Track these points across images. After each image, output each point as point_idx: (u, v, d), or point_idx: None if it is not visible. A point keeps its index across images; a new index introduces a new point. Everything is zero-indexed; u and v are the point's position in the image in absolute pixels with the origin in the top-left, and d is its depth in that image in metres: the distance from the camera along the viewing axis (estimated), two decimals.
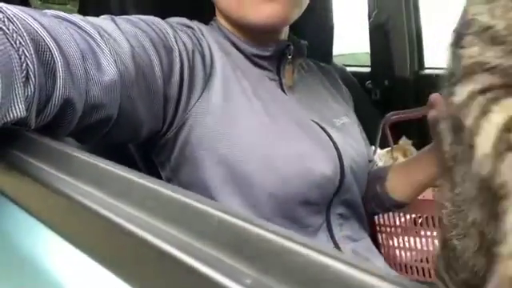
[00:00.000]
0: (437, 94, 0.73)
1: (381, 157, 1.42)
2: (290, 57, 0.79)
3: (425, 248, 1.06)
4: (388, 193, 0.85)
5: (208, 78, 0.68)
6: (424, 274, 1.04)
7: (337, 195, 0.73)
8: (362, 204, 0.80)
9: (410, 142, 1.58)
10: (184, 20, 0.75)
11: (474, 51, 0.33)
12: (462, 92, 0.34)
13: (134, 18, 0.66)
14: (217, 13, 0.81)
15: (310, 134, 0.73)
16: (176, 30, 0.69)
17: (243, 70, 0.73)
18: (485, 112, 0.31)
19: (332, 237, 0.72)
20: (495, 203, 0.34)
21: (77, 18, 0.56)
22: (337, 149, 0.74)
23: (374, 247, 0.81)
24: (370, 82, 1.76)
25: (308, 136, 0.73)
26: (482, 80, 0.32)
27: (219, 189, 0.67)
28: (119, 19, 0.63)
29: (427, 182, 0.82)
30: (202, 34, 0.73)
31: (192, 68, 0.67)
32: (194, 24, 0.75)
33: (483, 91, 0.32)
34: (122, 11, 0.86)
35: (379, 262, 0.78)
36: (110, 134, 0.59)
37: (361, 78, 1.74)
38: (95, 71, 0.51)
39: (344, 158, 0.74)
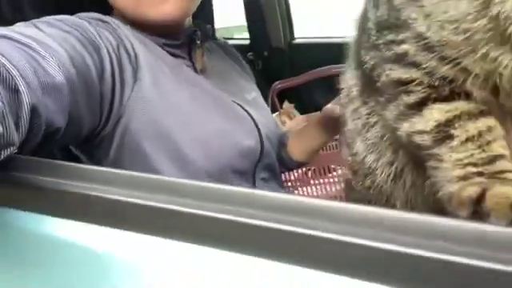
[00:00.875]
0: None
1: None
2: (198, 42, 0.86)
3: (317, 193, 1.29)
4: (290, 156, 1.01)
5: (136, 70, 0.71)
6: None
7: (259, 162, 0.85)
8: (277, 166, 0.95)
9: (292, 105, 1.79)
10: (96, 15, 0.75)
11: (408, 48, 0.42)
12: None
13: (52, 20, 0.65)
14: (114, 12, 0.81)
15: (231, 112, 0.82)
16: (96, 27, 0.69)
17: (162, 59, 0.77)
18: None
19: None
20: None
21: (6, 31, 0.55)
22: (255, 122, 0.85)
23: None
24: (251, 53, 1.90)
25: (230, 114, 0.81)
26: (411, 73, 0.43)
27: (164, 173, 0.71)
28: (41, 24, 0.62)
29: (319, 146, 1.03)
30: (119, 27, 0.74)
31: (120, 63, 0.69)
32: (108, 18, 0.75)
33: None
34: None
35: None
36: (57, 141, 0.60)
37: (242, 50, 1.87)
38: (46, 80, 0.53)
39: (261, 129, 0.85)
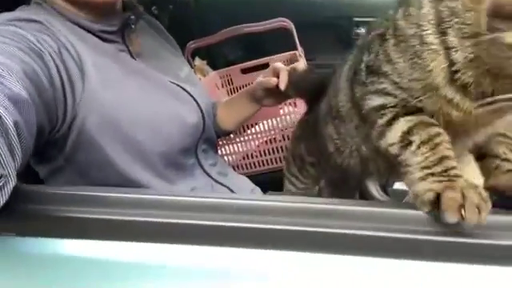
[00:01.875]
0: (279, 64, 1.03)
1: None
2: (133, 26, 0.87)
3: (240, 150, 1.42)
4: (219, 125, 1.11)
5: (81, 68, 0.71)
6: (247, 168, 1.41)
7: (201, 137, 0.93)
8: (215, 136, 1.04)
9: (204, 62, 1.83)
10: (24, 14, 0.72)
11: (386, 86, 0.57)
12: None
13: None
14: None
15: (172, 93, 0.87)
16: (33, 32, 0.67)
17: (99, 48, 0.78)
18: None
19: (203, 169, 0.94)
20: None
21: None
22: (195, 100, 0.91)
23: (225, 164, 1.09)
24: (155, 7, 1.85)
25: (172, 95, 0.87)
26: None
27: (120, 161, 0.77)
28: None
29: (248, 116, 1.13)
30: (53, 26, 0.73)
31: (65, 66, 0.69)
32: (38, 17, 0.72)
33: None
34: None
35: (231, 171, 1.06)
36: None
37: (145, 4, 1.81)
38: (14, 98, 0.53)
39: (201, 105, 0.92)
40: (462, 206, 0.45)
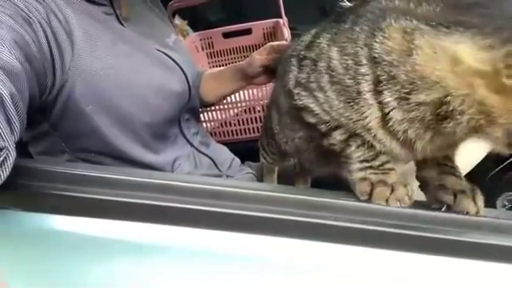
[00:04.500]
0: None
1: None
2: None
3: (218, 117, 1.42)
4: (201, 97, 1.10)
5: (70, 35, 0.69)
6: (225, 136, 1.43)
7: (186, 106, 0.93)
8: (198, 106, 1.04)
9: (185, 22, 1.79)
10: None
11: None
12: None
13: None
14: None
15: (160, 62, 0.85)
16: None
17: (87, 13, 0.74)
18: None
19: (185, 137, 0.95)
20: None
21: None
22: (182, 70, 0.90)
23: (207, 133, 1.10)
24: None
25: (159, 64, 0.85)
26: None
27: (107, 133, 0.75)
28: None
29: (232, 91, 1.14)
30: None
31: (54, 33, 0.66)
32: None
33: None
34: None
35: (212, 142, 1.07)
36: None
37: None
38: (7, 69, 0.51)
39: (187, 74, 0.91)
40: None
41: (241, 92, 1.38)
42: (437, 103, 0.46)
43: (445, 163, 0.59)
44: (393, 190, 0.53)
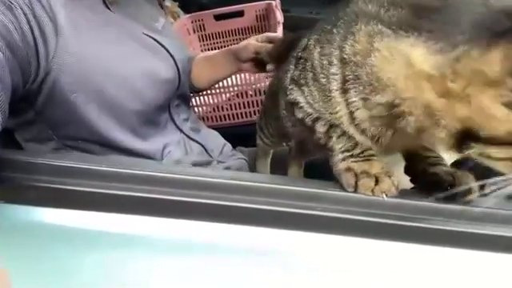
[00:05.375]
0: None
1: None
2: None
3: (211, 102, 1.41)
4: (192, 82, 1.09)
5: (54, 20, 0.66)
6: (217, 121, 1.41)
7: (175, 92, 0.92)
8: (189, 92, 1.02)
9: (176, 3, 1.75)
10: None
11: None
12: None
13: None
14: None
15: (148, 48, 0.83)
16: None
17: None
18: None
19: (175, 123, 0.94)
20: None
21: None
22: (171, 55, 0.88)
23: (197, 119, 1.08)
24: None
25: (147, 50, 0.83)
26: None
27: (94, 120, 0.74)
28: None
29: (223, 77, 1.13)
30: None
31: (37, 19, 0.64)
32: None
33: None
34: None
35: (203, 127, 1.06)
36: None
37: None
38: None
39: (177, 60, 0.89)
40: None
41: (233, 76, 1.36)
42: (390, 104, 0.48)
43: (429, 155, 0.60)
44: (377, 182, 0.53)
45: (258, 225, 0.51)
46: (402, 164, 0.64)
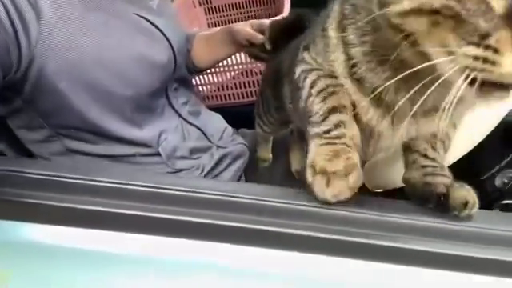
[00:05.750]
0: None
1: None
2: None
3: (215, 80, 1.37)
4: (193, 61, 1.05)
5: (35, 6, 0.63)
6: (221, 100, 1.38)
7: (172, 76, 0.88)
8: (187, 73, 0.99)
9: None
10: None
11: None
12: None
13: None
14: None
15: (140, 30, 0.79)
16: None
17: None
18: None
19: (173, 108, 0.91)
20: None
21: None
22: (165, 36, 0.84)
23: (198, 101, 1.05)
24: None
25: (140, 33, 0.79)
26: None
27: (85, 109, 0.72)
28: None
29: (224, 56, 1.08)
30: None
31: (16, 6, 0.60)
32: None
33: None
34: None
35: (204, 110, 1.03)
36: None
37: None
38: None
39: (172, 42, 0.85)
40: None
41: (237, 54, 1.31)
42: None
43: (428, 164, 0.56)
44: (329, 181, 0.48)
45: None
46: (398, 162, 0.60)
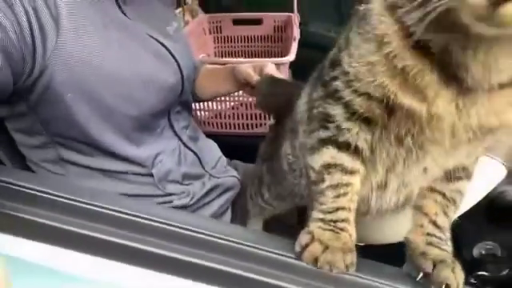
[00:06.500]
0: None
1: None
2: None
3: (214, 108, 1.39)
4: (196, 92, 1.06)
5: (56, 19, 0.65)
6: (218, 127, 1.40)
7: (177, 99, 0.89)
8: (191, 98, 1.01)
9: (196, 1, 1.73)
10: None
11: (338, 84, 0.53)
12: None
13: None
14: None
15: (153, 52, 0.81)
16: None
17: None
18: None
19: (173, 130, 0.92)
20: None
21: None
22: (176, 61, 0.86)
23: (196, 127, 1.06)
24: None
25: (151, 54, 0.81)
26: None
27: (85, 122, 0.73)
28: None
29: (224, 93, 1.12)
30: None
31: (38, 16, 0.62)
32: None
33: None
34: None
35: (202, 136, 1.05)
36: None
37: None
38: None
39: (182, 67, 0.87)
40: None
41: None
42: None
43: (435, 234, 0.57)
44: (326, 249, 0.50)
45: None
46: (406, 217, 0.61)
